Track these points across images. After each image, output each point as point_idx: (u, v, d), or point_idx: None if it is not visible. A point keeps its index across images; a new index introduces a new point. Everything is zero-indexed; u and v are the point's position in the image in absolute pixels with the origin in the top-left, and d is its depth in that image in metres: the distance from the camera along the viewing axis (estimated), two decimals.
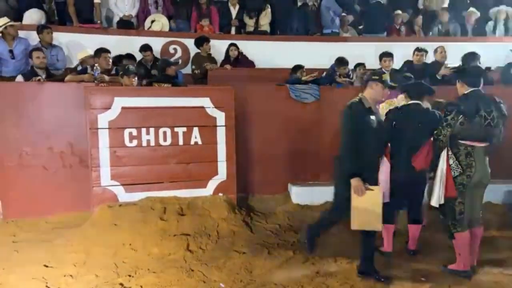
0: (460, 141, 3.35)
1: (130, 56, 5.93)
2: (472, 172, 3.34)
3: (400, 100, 4.02)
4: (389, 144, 3.69)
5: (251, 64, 6.69)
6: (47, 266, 3.61)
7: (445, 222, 3.49)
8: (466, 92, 3.38)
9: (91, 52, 5.44)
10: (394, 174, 3.61)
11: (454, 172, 3.37)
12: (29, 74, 5.09)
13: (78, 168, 4.65)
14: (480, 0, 8.16)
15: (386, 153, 3.66)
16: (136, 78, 4.68)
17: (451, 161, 3.38)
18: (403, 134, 3.61)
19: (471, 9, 7.77)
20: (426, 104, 3.78)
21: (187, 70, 6.60)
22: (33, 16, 6.34)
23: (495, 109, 3.32)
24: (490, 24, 7.81)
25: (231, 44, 6.52)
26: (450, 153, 3.39)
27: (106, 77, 4.89)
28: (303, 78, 5.52)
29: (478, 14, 7.79)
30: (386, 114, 3.81)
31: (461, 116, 3.29)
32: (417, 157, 3.56)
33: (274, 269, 3.61)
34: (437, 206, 3.47)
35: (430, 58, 5.93)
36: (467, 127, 3.29)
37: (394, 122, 3.68)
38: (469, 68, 4.07)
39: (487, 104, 3.31)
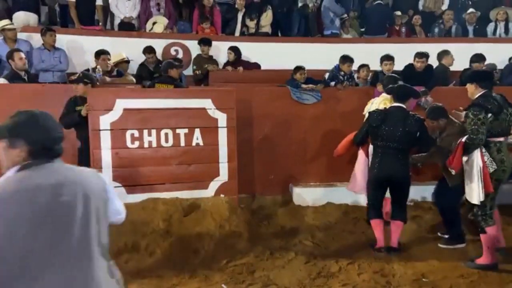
0: (489, 138, 3.50)
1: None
2: (506, 166, 3.53)
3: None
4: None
5: (255, 65, 6.67)
6: None
7: (476, 217, 3.62)
8: (481, 94, 3.56)
9: (124, 55, 5.51)
10: (369, 172, 4.01)
11: (490, 169, 3.50)
12: (12, 76, 4.93)
13: None
14: (480, 1, 8.16)
15: (363, 147, 4.11)
16: (82, 85, 4.39)
17: (485, 158, 3.50)
18: (380, 134, 3.83)
19: (471, 10, 7.78)
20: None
21: (188, 71, 6.62)
22: (21, 18, 6.33)
23: (509, 106, 3.58)
24: (491, 25, 7.81)
25: (229, 48, 6.53)
26: (483, 150, 3.50)
27: (108, 79, 4.91)
28: (303, 86, 5.50)
29: (478, 14, 7.79)
30: (369, 113, 4.04)
31: (490, 114, 3.46)
32: (454, 159, 3.62)
33: (276, 270, 3.62)
34: (478, 203, 3.54)
35: (431, 60, 5.92)
36: (495, 124, 3.48)
37: (372, 123, 3.89)
38: (483, 71, 4.25)
39: (504, 103, 3.55)
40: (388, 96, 4.24)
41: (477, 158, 3.50)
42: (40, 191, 1.46)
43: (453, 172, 3.66)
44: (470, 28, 7.78)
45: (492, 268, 3.59)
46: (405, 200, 3.99)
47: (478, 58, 5.83)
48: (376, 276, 3.55)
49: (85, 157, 4.24)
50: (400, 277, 3.55)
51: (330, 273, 3.60)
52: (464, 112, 3.71)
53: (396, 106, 3.87)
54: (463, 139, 3.54)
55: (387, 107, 4.05)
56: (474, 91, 3.60)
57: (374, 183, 3.97)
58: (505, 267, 3.69)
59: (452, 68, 6.11)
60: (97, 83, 4.79)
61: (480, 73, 3.90)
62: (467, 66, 6.10)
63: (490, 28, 7.80)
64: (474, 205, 3.57)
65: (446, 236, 4.24)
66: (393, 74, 4.59)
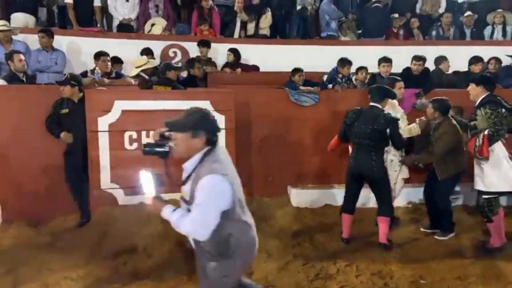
0: None
1: (117, 59, 5.97)
2: None
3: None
4: None
5: (254, 67, 6.68)
6: (47, 269, 3.61)
7: (483, 208, 3.93)
8: (485, 96, 3.88)
9: (146, 59, 5.55)
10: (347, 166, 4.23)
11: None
12: (10, 78, 4.91)
13: None
14: (477, 4, 8.21)
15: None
16: (68, 87, 4.29)
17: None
18: (353, 132, 4.07)
19: (469, 13, 7.81)
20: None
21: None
22: (20, 19, 6.31)
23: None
24: (488, 28, 7.85)
25: (229, 49, 6.54)
26: (504, 142, 3.88)
27: (106, 80, 4.91)
28: (301, 88, 5.52)
29: (476, 16, 7.84)
30: (347, 111, 4.24)
31: (504, 110, 3.81)
32: (484, 149, 3.83)
33: (274, 272, 3.62)
34: None
35: (428, 63, 5.94)
36: (509, 120, 3.87)
37: (346, 121, 4.15)
38: (489, 76, 4.42)
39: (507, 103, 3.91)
40: (393, 102, 4.43)
41: (500, 149, 3.85)
42: (231, 164, 2.24)
43: (485, 160, 3.86)
44: (468, 31, 7.82)
45: (503, 250, 3.95)
46: (386, 195, 4.10)
47: (475, 60, 5.96)
48: (374, 278, 3.56)
49: (72, 160, 4.24)
50: (398, 278, 3.56)
51: (328, 275, 3.60)
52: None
53: (371, 106, 4.06)
54: (486, 132, 3.79)
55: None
56: (479, 93, 3.91)
57: (348, 176, 4.21)
58: (503, 268, 3.70)
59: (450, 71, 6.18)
60: (95, 85, 4.79)
61: (487, 77, 4.15)
62: (465, 68, 6.15)
63: (487, 31, 7.83)
64: (481, 196, 3.91)
65: (429, 231, 4.51)
66: (394, 76, 4.68)
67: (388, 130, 3.91)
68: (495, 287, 3.42)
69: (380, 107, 4.04)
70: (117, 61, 5.98)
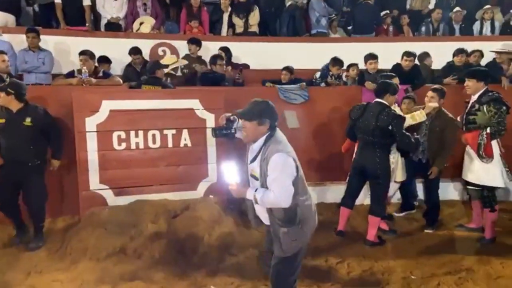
0: None
1: (105, 59, 5.90)
2: None
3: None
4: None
5: (244, 66, 6.65)
6: (36, 273, 3.57)
7: (488, 199, 4.08)
8: (484, 90, 4.00)
9: (176, 58, 5.61)
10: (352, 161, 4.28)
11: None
12: None
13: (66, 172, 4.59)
14: (466, 0, 8.24)
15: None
16: (3, 94, 3.84)
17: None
18: (358, 127, 4.07)
19: (458, 8, 7.84)
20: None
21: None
22: None
23: None
24: (477, 24, 7.88)
25: (220, 48, 6.51)
26: (498, 140, 4.02)
27: (94, 80, 4.84)
28: (284, 87, 5.52)
29: (464, 12, 7.87)
30: (352, 107, 4.25)
31: (505, 109, 3.96)
32: (488, 149, 3.97)
33: (265, 270, 3.60)
34: (503, 186, 4.12)
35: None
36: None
37: (352, 116, 4.16)
38: (488, 71, 4.46)
39: None
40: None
41: (496, 147, 3.98)
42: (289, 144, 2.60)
43: (490, 160, 3.98)
44: (457, 27, 7.84)
45: (494, 241, 4.15)
46: (381, 195, 4.08)
47: (457, 51, 6.02)
48: (365, 275, 3.58)
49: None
50: (389, 275, 3.57)
51: (320, 272, 3.60)
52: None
53: (375, 101, 4.02)
54: (488, 131, 3.93)
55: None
56: (479, 88, 4.02)
57: (351, 170, 4.26)
58: (492, 263, 3.73)
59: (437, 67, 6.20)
60: (83, 85, 4.73)
61: (485, 71, 4.24)
62: None
63: (476, 26, 7.87)
64: (484, 189, 4.06)
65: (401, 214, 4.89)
66: (390, 73, 4.63)
67: (390, 127, 3.84)
68: (484, 281, 3.44)
69: (385, 103, 3.97)
70: (104, 60, 5.93)
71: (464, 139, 4.16)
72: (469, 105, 4.12)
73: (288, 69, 5.96)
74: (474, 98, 4.08)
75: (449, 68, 6.00)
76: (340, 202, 4.40)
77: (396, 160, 4.42)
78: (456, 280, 3.46)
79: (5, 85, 3.87)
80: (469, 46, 6.47)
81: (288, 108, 5.36)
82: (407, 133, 3.89)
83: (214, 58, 5.83)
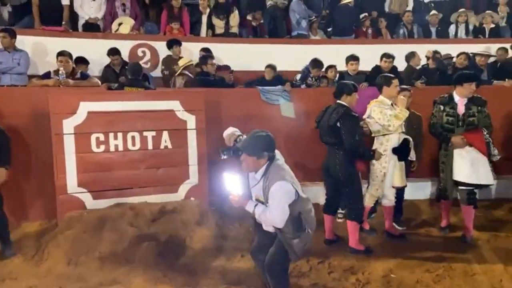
0: None
1: (82, 60, 5.80)
2: None
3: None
4: None
5: (225, 67, 6.63)
6: (11, 278, 3.47)
7: (473, 196, 4.17)
8: (472, 93, 4.08)
9: (189, 59, 5.66)
10: None
11: None
12: None
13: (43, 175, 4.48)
14: (442, 3, 8.45)
15: None
16: None
17: None
18: (320, 131, 4.07)
19: (434, 12, 8.03)
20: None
21: (157, 73, 6.51)
22: None
23: None
24: (453, 27, 8.09)
25: (201, 49, 6.48)
26: None
27: (71, 81, 4.75)
28: (266, 88, 5.52)
29: (440, 15, 8.07)
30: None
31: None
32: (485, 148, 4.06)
33: (247, 271, 3.60)
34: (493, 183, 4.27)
35: (396, 61, 6.06)
36: None
37: (315, 120, 4.15)
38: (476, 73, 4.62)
39: None
40: (382, 97, 4.15)
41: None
42: (285, 163, 2.89)
43: (499, 156, 4.12)
44: (433, 30, 8.03)
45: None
46: (353, 197, 3.94)
47: (410, 55, 6.18)
48: (346, 274, 3.61)
49: None
50: (370, 274, 3.61)
51: (301, 272, 3.63)
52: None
53: (336, 103, 3.97)
54: (485, 132, 4.05)
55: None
56: (472, 91, 4.09)
57: (323, 174, 4.19)
58: (469, 260, 3.82)
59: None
60: (60, 86, 4.63)
61: (478, 76, 4.41)
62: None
63: (451, 29, 8.08)
64: (469, 187, 4.12)
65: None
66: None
67: (338, 124, 3.78)
68: (461, 278, 3.52)
69: (342, 103, 3.90)
70: (82, 61, 5.82)
71: (466, 140, 4.07)
72: (463, 107, 4.11)
73: (271, 66, 5.95)
74: (464, 100, 4.10)
75: (424, 71, 6.09)
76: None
77: (393, 164, 4.11)
78: (433, 277, 3.53)
79: None
80: (445, 48, 6.64)
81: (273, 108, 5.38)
82: (357, 135, 3.78)
83: (204, 58, 5.76)
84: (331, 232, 4.23)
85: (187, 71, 5.81)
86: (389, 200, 4.26)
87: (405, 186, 4.32)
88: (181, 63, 5.85)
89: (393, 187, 4.21)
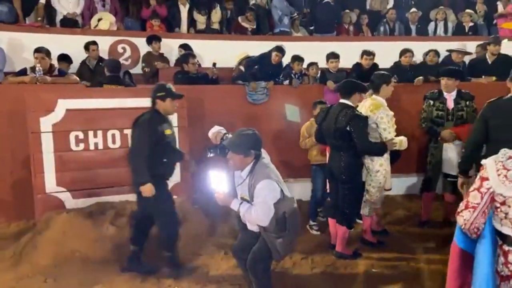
0: None
1: (65, 58, 5.68)
2: None
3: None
4: None
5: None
6: None
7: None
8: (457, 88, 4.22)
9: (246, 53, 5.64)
10: None
11: None
12: None
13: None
14: (422, 1, 8.57)
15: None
16: None
17: None
18: (323, 131, 3.83)
19: (414, 9, 8.14)
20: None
21: (137, 69, 6.42)
22: None
23: None
24: (432, 24, 8.22)
25: (180, 45, 6.41)
26: None
27: (48, 78, 4.63)
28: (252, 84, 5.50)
29: (420, 13, 8.18)
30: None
31: None
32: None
33: (230, 269, 3.60)
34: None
35: (376, 59, 6.11)
36: None
37: (317, 121, 3.99)
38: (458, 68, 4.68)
39: None
40: (379, 99, 3.88)
41: None
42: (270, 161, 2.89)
43: None
44: (413, 27, 8.14)
45: None
46: (346, 201, 3.70)
47: (404, 52, 6.02)
48: (328, 269, 3.64)
49: None
50: (352, 269, 3.65)
51: (284, 268, 3.65)
52: None
53: (339, 103, 3.74)
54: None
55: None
56: (455, 86, 4.25)
57: (327, 176, 4.01)
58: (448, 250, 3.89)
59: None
60: (37, 83, 4.51)
61: (462, 72, 4.45)
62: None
63: (431, 27, 8.20)
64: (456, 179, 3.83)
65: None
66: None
67: (348, 128, 3.53)
68: (443, 271, 3.57)
69: (348, 103, 3.66)
70: (64, 59, 5.64)
71: (454, 133, 4.15)
72: (452, 102, 4.23)
73: (280, 49, 5.76)
74: (452, 95, 4.25)
75: (396, 68, 6.07)
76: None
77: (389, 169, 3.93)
78: (415, 271, 3.59)
79: None
80: (424, 46, 6.73)
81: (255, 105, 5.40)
82: (368, 136, 3.62)
83: (186, 57, 5.56)
84: (336, 236, 3.96)
85: (241, 66, 5.83)
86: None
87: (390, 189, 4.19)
88: (238, 58, 5.90)
89: (385, 189, 4.05)
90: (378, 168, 3.83)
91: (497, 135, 3.00)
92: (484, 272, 1.73)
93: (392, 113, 3.85)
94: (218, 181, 2.71)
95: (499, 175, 1.69)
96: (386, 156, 3.85)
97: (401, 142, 3.78)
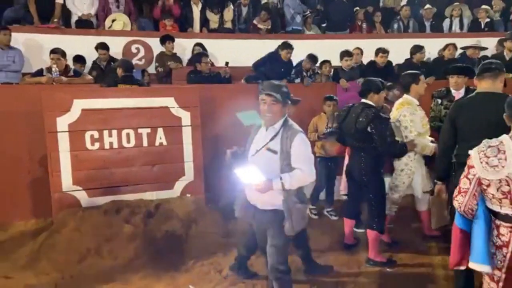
0: None
1: (80, 58, 5.76)
2: None
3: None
4: None
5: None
6: (7, 277, 3.46)
7: None
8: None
9: None
10: None
11: None
12: None
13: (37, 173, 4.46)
14: None
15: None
16: None
17: None
18: (343, 132, 3.77)
19: (428, 6, 8.03)
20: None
21: (151, 69, 6.48)
22: None
23: None
24: (447, 21, 8.10)
25: (196, 44, 6.45)
26: None
27: (64, 79, 4.72)
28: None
29: (435, 10, 8.07)
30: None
31: None
32: None
33: None
34: None
35: (390, 56, 6.05)
36: None
37: (337, 121, 3.95)
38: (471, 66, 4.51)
39: None
40: (410, 98, 3.82)
41: None
42: None
43: None
44: (427, 24, 8.03)
45: None
46: (374, 205, 3.59)
47: (416, 49, 5.90)
48: (342, 269, 3.63)
49: None
50: (366, 268, 3.64)
51: (297, 268, 3.60)
52: None
53: (360, 102, 3.66)
54: None
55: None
56: (464, 83, 4.12)
57: (347, 177, 3.89)
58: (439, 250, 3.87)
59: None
60: (53, 83, 4.60)
61: (473, 69, 4.19)
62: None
63: (446, 24, 8.08)
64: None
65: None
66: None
67: (369, 129, 3.44)
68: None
69: (369, 102, 3.58)
70: (79, 60, 5.76)
71: None
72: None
73: (288, 46, 5.75)
74: (461, 93, 4.08)
75: (408, 65, 5.94)
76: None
77: (419, 170, 3.87)
78: (429, 272, 3.57)
79: None
80: (439, 42, 6.64)
81: None
82: (391, 137, 3.50)
83: (198, 57, 5.63)
84: (351, 236, 3.99)
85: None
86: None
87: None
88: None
89: (423, 192, 3.96)
90: (403, 167, 3.82)
91: (463, 134, 2.91)
92: (479, 243, 2.02)
93: (421, 113, 3.79)
94: (249, 174, 2.57)
95: (481, 162, 1.97)
96: (413, 156, 3.78)
97: (424, 146, 3.72)
